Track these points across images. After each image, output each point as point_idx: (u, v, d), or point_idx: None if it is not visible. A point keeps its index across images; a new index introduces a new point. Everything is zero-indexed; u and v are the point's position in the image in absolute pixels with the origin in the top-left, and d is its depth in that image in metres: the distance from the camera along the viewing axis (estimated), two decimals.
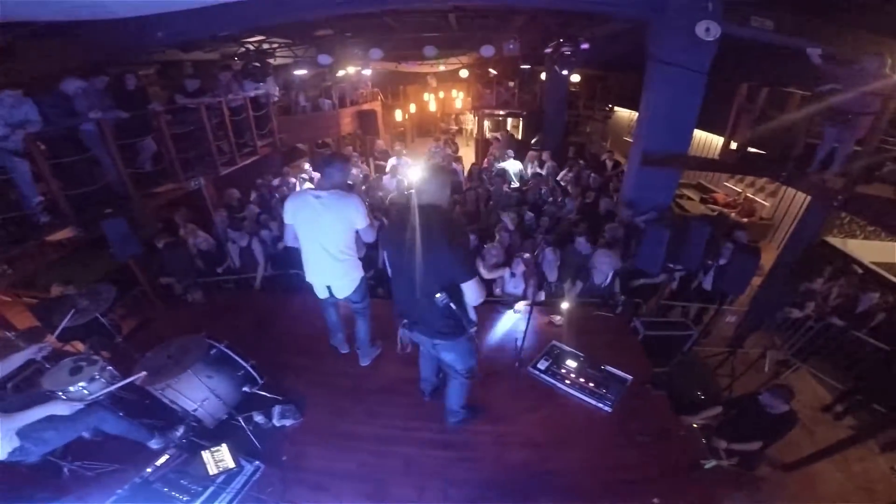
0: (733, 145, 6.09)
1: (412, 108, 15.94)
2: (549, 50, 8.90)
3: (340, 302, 3.35)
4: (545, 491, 2.74)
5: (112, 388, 2.77)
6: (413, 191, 2.34)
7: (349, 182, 3.21)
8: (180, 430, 2.95)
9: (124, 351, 3.56)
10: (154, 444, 2.90)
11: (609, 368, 3.54)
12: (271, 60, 9.01)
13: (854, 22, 5.45)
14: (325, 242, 2.92)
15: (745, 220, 8.86)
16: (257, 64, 7.30)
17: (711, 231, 4.12)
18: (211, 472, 2.65)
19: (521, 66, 12.06)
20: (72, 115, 4.78)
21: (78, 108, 4.81)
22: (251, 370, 3.14)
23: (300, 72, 9.79)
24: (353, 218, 2.87)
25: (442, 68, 13.88)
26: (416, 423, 3.19)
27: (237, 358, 3.12)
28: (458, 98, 16.55)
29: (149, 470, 2.68)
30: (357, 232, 3.00)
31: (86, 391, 2.72)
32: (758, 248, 4.51)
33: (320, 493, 2.74)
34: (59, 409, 2.49)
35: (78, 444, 2.85)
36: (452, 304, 2.26)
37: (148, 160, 5.80)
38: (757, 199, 9.54)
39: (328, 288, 3.12)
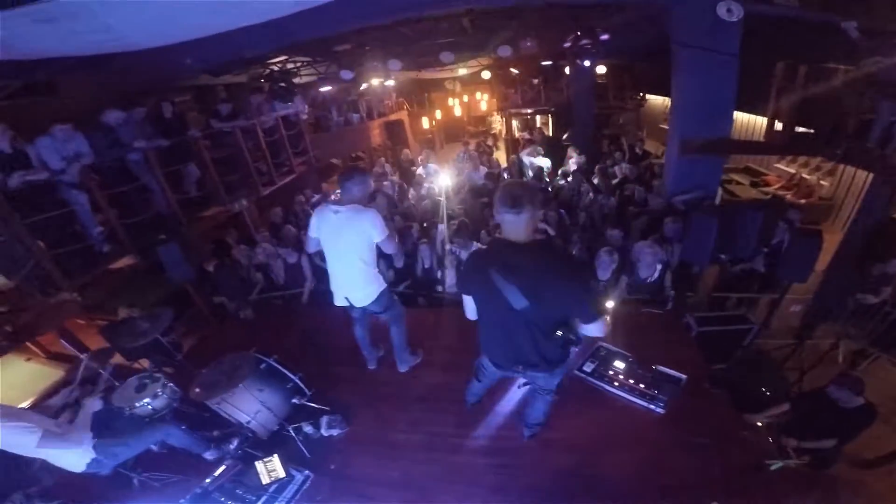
0: (778, 126, 5.74)
1: (438, 114, 16.10)
2: (567, 45, 8.76)
3: (367, 313, 3.40)
4: (595, 497, 2.66)
5: (174, 403, 2.98)
6: (499, 225, 2.06)
7: (371, 192, 3.21)
8: (235, 443, 3.11)
9: (184, 368, 3.79)
10: (210, 456, 3.08)
11: (661, 368, 3.38)
12: (297, 79, 9.35)
13: None
14: (344, 255, 3.00)
15: (803, 201, 8.30)
16: (283, 84, 7.63)
17: (764, 216, 3.89)
18: (264, 482, 2.80)
19: (543, 63, 11.90)
20: (117, 145, 5.12)
21: (122, 139, 5.14)
22: (299, 382, 3.27)
23: (326, 88, 10.11)
24: (369, 232, 2.92)
25: (463, 72, 13.94)
26: (459, 431, 3.19)
27: (286, 371, 3.25)
28: (483, 100, 16.58)
29: (208, 480, 2.83)
30: (378, 245, 3.03)
31: (150, 406, 2.95)
32: (819, 231, 4.21)
33: (366, 500, 2.80)
34: (93, 405, 2.81)
35: (147, 456, 3.06)
36: (571, 336, 2.08)
37: (192, 185, 6.16)
38: (813, 179, 8.93)
39: (346, 298, 3.18)
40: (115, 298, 5.19)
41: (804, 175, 9.06)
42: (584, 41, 8.07)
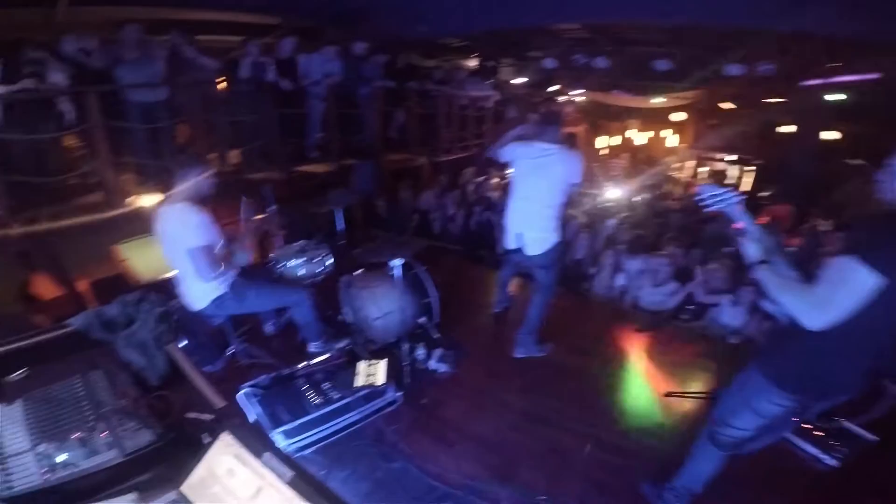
0: None
1: (614, 140, 14.62)
2: (813, 81, 6.82)
3: (529, 264, 2.91)
4: None
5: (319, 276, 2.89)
6: None
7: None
8: (343, 343, 2.91)
9: (342, 255, 3.63)
10: (315, 347, 2.83)
11: (847, 424, 2.36)
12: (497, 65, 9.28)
13: None
14: (538, 191, 2.70)
15: None
16: (493, 63, 7.56)
17: None
18: (357, 384, 2.47)
19: (764, 100, 9.57)
20: (357, 76, 5.52)
21: (363, 74, 5.55)
22: (435, 302, 2.96)
23: (519, 80, 9.84)
24: (573, 172, 2.70)
25: (660, 100, 12.15)
26: (577, 414, 2.57)
27: (429, 285, 2.96)
28: (669, 139, 14.46)
29: (300, 365, 2.55)
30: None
31: (300, 271, 2.91)
32: None
33: (442, 446, 2.34)
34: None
35: (253, 333, 2.97)
36: None
37: (395, 129, 6.49)
38: None
39: (519, 237, 2.78)
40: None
41: None
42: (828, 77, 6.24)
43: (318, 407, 2.28)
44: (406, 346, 2.80)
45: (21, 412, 1.02)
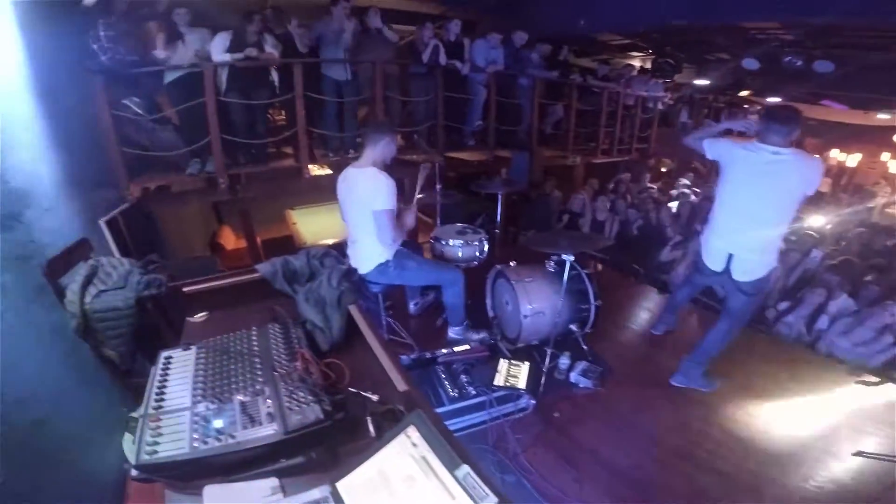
0: None
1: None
2: None
3: (731, 287, 2.25)
4: None
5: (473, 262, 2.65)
6: None
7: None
8: (482, 334, 2.64)
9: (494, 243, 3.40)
10: (454, 333, 2.64)
11: None
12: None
13: None
14: (763, 204, 2.06)
15: None
16: (670, 60, 6.34)
17: None
18: (495, 382, 2.21)
19: None
20: (518, 64, 5.13)
21: (523, 62, 5.14)
22: (593, 311, 2.47)
23: (702, 82, 8.16)
24: (812, 183, 2.03)
25: (886, 116, 8.94)
26: (746, 461, 2.01)
27: (591, 292, 2.48)
28: (890, 164, 10.66)
29: (444, 351, 2.38)
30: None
31: (457, 251, 2.72)
32: None
33: (566, 467, 1.96)
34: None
35: (397, 310, 2.86)
36: None
37: (550, 123, 5.90)
38: None
39: (730, 257, 2.15)
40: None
41: None
42: None
43: (453, 400, 2.06)
44: (549, 352, 2.40)
45: (193, 361, 0.89)
